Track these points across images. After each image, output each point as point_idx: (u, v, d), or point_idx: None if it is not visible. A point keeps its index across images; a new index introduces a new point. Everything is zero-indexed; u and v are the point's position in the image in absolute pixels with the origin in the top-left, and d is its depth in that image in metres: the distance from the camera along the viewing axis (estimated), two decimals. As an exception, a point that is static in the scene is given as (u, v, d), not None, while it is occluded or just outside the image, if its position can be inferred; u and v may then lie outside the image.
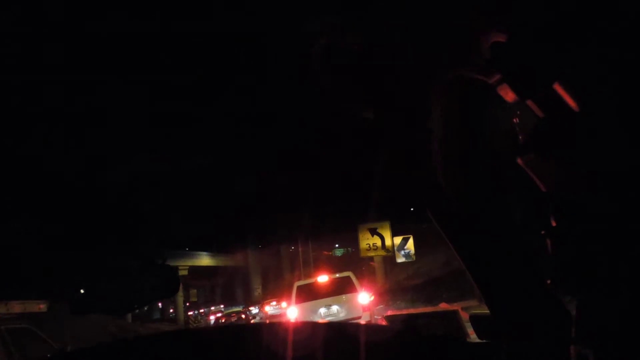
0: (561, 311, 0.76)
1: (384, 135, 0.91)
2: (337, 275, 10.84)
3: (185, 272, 28.40)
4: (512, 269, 0.82)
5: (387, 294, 17.56)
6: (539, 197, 0.69)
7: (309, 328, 1.01)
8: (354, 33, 0.81)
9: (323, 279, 10.36)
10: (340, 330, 1.01)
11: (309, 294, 10.00)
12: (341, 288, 9.97)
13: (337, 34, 0.82)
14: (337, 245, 30.97)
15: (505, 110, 0.72)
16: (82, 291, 1.43)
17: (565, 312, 0.76)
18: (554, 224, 0.69)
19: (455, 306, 7.47)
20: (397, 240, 16.82)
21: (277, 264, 30.36)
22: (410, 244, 16.98)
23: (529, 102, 0.67)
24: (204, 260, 29.59)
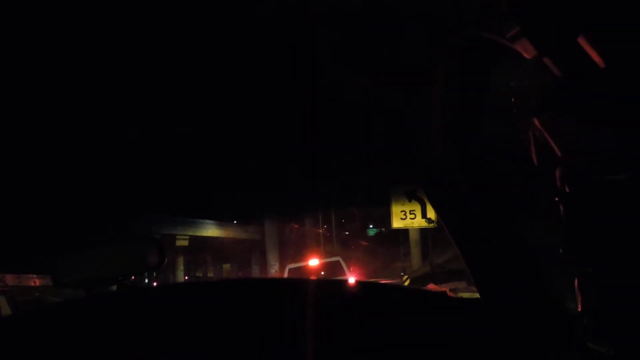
0: (553, 298, 0.86)
1: (382, 106, 0.99)
2: (327, 259, 12.92)
3: (184, 243, 29.15)
4: (505, 252, 0.91)
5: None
6: (553, 162, 0.77)
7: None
8: None
9: (314, 262, 12.54)
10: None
11: (300, 275, 11.57)
12: (330, 272, 12.04)
13: None
14: (371, 226, 31.68)
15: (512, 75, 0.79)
16: (61, 263, 1.57)
17: (558, 300, 0.86)
18: (567, 189, 0.77)
19: (444, 287, 7.82)
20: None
21: (298, 241, 30.90)
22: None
23: (547, 60, 0.74)
24: (210, 230, 30.00)
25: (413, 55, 0.91)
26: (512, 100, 0.85)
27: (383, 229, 28.34)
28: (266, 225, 30.47)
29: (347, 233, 31.76)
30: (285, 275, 12.40)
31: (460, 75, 0.90)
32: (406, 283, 14.40)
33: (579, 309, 0.78)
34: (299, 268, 12.37)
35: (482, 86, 0.90)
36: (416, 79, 0.94)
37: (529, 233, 0.94)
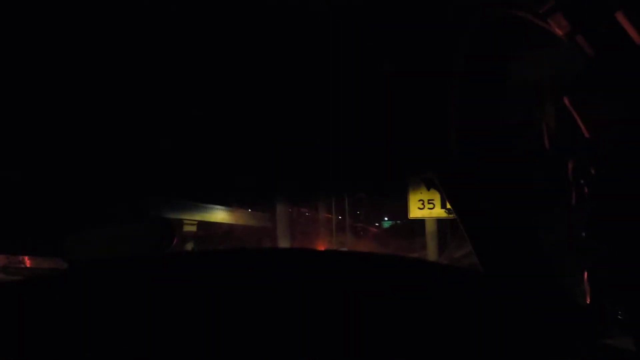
0: (563, 291, 0.87)
1: (400, 90, 1.01)
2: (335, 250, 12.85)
3: (193, 228, 29.39)
4: (517, 246, 0.93)
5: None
6: (580, 144, 0.78)
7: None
8: None
9: None
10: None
11: None
12: None
13: None
14: (385, 218, 32.08)
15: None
16: (71, 242, 1.62)
17: (567, 293, 0.87)
18: (593, 172, 0.78)
19: None
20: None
21: (309, 230, 31.10)
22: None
23: (580, 38, 0.75)
24: (218, 215, 30.32)
25: (435, 39, 0.93)
26: (530, 88, 0.86)
27: (398, 221, 28.44)
28: (278, 214, 30.68)
29: (360, 225, 32.00)
30: None
31: (479, 64, 0.91)
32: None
33: (588, 302, 0.80)
34: None
35: (500, 75, 0.91)
36: (437, 65, 0.95)
37: (541, 227, 0.95)
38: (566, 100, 0.78)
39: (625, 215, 0.77)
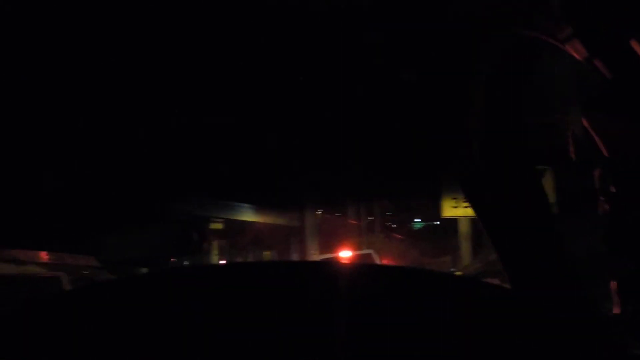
0: (589, 300, 0.92)
1: (424, 100, 1.07)
2: (359, 252, 13.29)
3: (219, 226, 29.53)
4: (542, 250, 0.98)
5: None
6: (599, 162, 0.83)
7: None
8: None
9: (345, 254, 12.52)
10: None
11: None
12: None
13: None
14: (418, 220, 32.31)
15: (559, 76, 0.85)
16: (106, 243, 1.75)
17: (594, 302, 0.91)
18: (613, 189, 0.83)
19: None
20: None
21: (338, 230, 31.15)
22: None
23: (597, 62, 0.80)
24: (246, 214, 30.34)
25: (459, 51, 0.99)
26: (554, 98, 0.91)
27: (430, 222, 28.30)
28: (306, 213, 30.78)
29: (392, 225, 31.97)
30: None
31: (503, 73, 0.97)
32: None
33: (617, 312, 0.85)
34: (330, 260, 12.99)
35: (523, 84, 0.97)
36: (459, 76, 1.01)
37: (567, 234, 1.00)
38: (584, 121, 0.83)
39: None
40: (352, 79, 1.58)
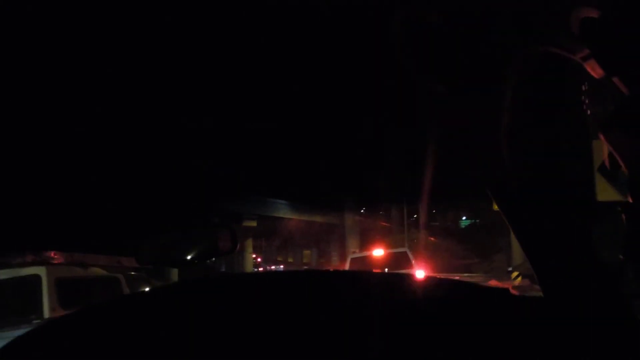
0: (623, 303, 0.98)
1: (453, 110, 1.16)
2: (393, 250, 13.07)
3: (253, 224, 29.48)
4: (572, 253, 1.05)
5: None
6: (618, 175, 0.91)
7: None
8: (435, 5, 1.06)
9: (378, 252, 12.35)
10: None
11: (363, 266, 11.90)
12: (396, 263, 11.76)
13: (418, 5, 1.08)
14: (464, 218, 32.18)
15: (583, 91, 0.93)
16: (144, 245, 1.90)
17: (628, 305, 0.98)
18: (630, 200, 0.91)
19: (507, 284, 7.71)
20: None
21: (380, 227, 31.10)
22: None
23: (616, 79, 0.88)
24: (282, 211, 30.03)
25: (486, 64, 1.08)
26: (587, 114, 0.99)
27: (477, 220, 28.01)
28: (347, 210, 30.76)
29: (436, 223, 31.81)
30: (347, 265, 12.39)
31: (531, 85, 1.05)
32: (517, 282, 14.13)
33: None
34: (362, 258, 12.72)
35: (553, 98, 1.05)
36: (487, 88, 1.10)
37: (601, 236, 1.07)
38: (601, 137, 0.91)
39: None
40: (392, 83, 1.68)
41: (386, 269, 11.37)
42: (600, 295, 1.08)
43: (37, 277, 5.03)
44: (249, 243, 33.01)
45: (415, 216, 30.29)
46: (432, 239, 27.09)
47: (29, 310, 5.12)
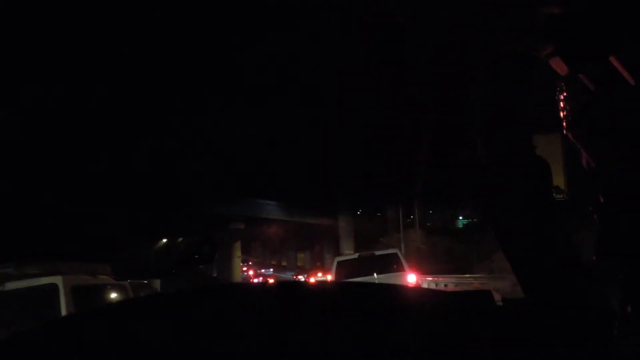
0: (602, 300, 1.00)
1: (428, 112, 1.18)
2: (383, 251, 12.59)
3: (240, 226, 28.92)
4: (553, 255, 1.07)
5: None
6: (588, 173, 0.93)
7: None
8: (403, 8, 1.08)
9: (367, 254, 11.90)
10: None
11: (350, 270, 11.47)
12: (386, 266, 11.40)
13: (387, 9, 1.10)
14: (460, 217, 32.30)
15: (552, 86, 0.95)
16: (121, 255, 1.92)
17: (606, 301, 1.00)
18: (601, 200, 0.93)
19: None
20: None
21: (375, 228, 31.22)
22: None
23: (582, 76, 0.90)
24: (271, 212, 29.48)
25: (454, 65, 1.10)
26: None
27: (475, 219, 28.14)
28: (340, 212, 30.76)
29: (433, 224, 31.96)
30: (334, 269, 11.98)
31: (499, 84, 1.07)
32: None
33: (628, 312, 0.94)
34: (349, 261, 12.29)
35: (521, 96, 1.07)
36: (456, 89, 1.12)
37: (579, 235, 1.09)
38: (569, 135, 0.94)
39: (630, 241, 0.92)
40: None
41: (374, 273, 11.13)
42: (580, 295, 1.10)
43: (54, 286, 5.49)
44: (237, 246, 32.75)
45: (412, 217, 30.43)
46: (429, 239, 27.22)
47: (48, 316, 5.46)
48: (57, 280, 5.55)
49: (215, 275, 30.68)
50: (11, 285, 5.41)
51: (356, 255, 12.81)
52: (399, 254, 12.13)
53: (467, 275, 19.05)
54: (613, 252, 0.94)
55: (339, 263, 12.09)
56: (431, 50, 1.12)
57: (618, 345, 1.04)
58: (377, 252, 12.48)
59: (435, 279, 18.71)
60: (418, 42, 1.13)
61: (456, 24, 1.04)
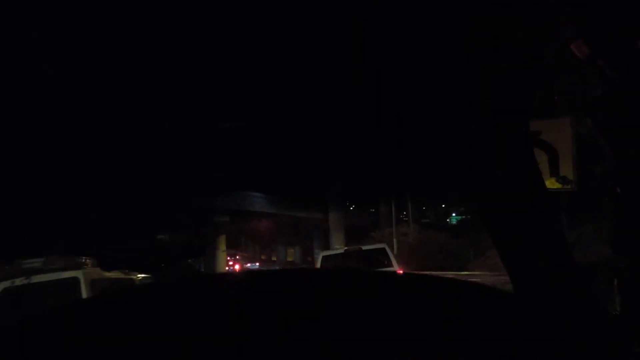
0: (592, 298, 1.01)
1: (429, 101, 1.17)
2: (371, 246, 12.74)
3: (225, 219, 28.72)
4: (544, 250, 1.07)
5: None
6: (606, 162, 0.93)
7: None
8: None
9: (354, 249, 12.15)
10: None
11: (336, 265, 11.46)
12: (374, 262, 11.33)
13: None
14: (453, 214, 32.60)
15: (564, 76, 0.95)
16: (107, 251, 1.93)
17: (596, 300, 1.00)
18: (618, 190, 0.92)
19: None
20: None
21: (368, 223, 31.21)
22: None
23: (601, 61, 0.89)
24: (258, 205, 29.15)
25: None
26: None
27: (469, 216, 28.28)
28: (331, 206, 30.71)
29: (427, 220, 32.10)
30: (318, 264, 11.97)
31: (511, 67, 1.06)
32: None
33: (618, 311, 0.94)
34: (335, 256, 12.29)
35: (525, 86, 1.06)
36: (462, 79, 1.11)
37: (583, 229, 1.09)
38: (588, 122, 0.93)
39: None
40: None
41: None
42: (571, 291, 1.10)
43: (76, 280, 6.29)
44: (222, 240, 32.61)
45: (405, 213, 30.50)
46: (423, 234, 27.26)
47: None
48: (79, 274, 6.40)
49: (202, 269, 30.61)
50: (37, 279, 6.20)
51: (342, 250, 12.82)
52: (387, 249, 12.10)
53: (464, 273, 19.09)
54: (631, 245, 0.94)
55: (324, 258, 12.13)
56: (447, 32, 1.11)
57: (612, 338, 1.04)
58: (365, 247, 12.53)
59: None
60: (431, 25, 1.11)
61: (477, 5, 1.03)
